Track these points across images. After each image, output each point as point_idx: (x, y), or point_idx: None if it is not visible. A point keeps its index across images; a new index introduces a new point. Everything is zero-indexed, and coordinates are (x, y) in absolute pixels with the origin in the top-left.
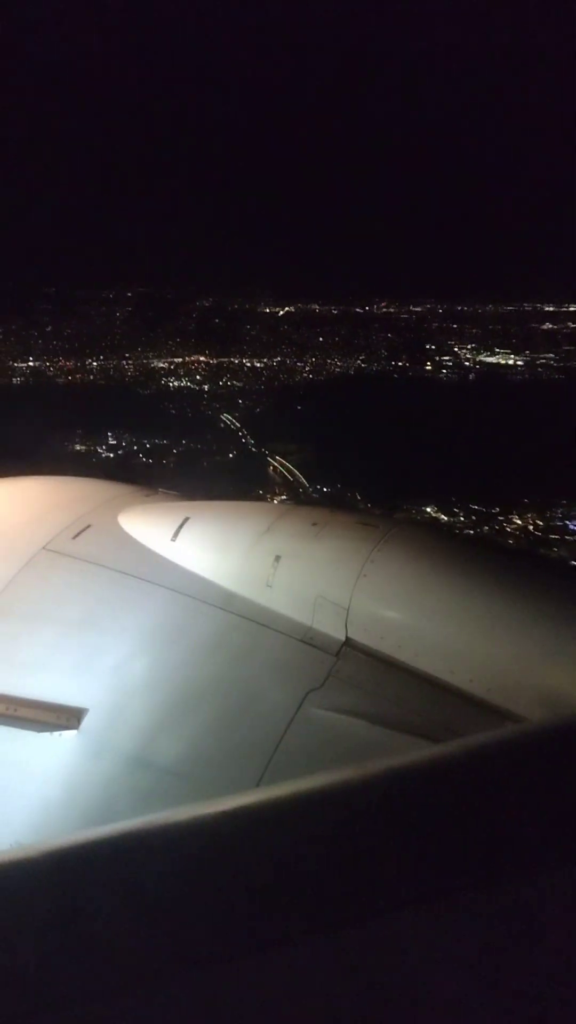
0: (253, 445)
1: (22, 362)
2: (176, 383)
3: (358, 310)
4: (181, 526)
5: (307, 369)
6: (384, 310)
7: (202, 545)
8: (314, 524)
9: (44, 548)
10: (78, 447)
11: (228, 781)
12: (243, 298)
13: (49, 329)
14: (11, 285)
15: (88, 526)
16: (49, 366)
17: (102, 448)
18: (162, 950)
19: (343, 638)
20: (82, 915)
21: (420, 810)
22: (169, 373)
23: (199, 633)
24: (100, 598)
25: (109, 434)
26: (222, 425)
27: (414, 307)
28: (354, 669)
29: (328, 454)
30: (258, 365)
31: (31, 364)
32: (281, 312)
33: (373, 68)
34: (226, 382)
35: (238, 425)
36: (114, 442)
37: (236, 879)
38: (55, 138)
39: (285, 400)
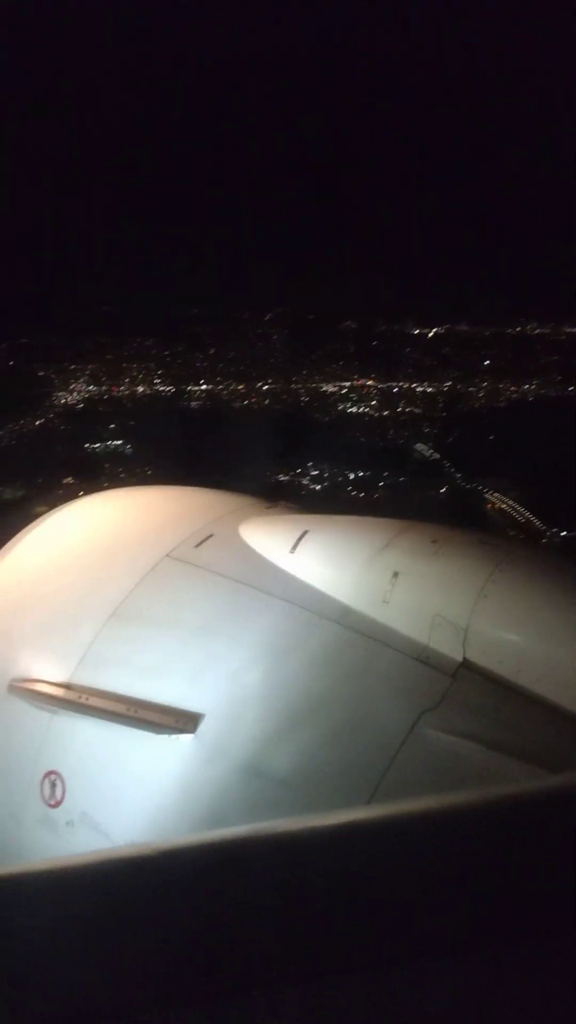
0: (461, 479)
1: (195, 385)
2: (353, 409)
3: (509, 331)
4: (300, 539)
5: (481, 395)
6: (538, 331)
7: (320, 558)
8: (434, 541)
9: (167, 555)
10: (281, 477)
11: (339, 796)
12: (386, 319)
13: (213, 352)
14: (158, 304)
15: (210, 535)
16: (222, 389)
17: (307, 479)
18: (282, 954)
19: (460, 659)
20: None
21: (537, 840)
22: (342, 398)
23: (314, 646)
24: (219, 607)
25: (310, 464)
26: (416, 456)
27: (570, 328)
28: (470, 691)
29: (554, 494)
30: (429, 390)
31: (203, 387)
32: (430, 333)
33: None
34: (404, 408)
35: (438, 456)
36: (316, 472)
37: (345, 894)
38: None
39: (474, 428)
